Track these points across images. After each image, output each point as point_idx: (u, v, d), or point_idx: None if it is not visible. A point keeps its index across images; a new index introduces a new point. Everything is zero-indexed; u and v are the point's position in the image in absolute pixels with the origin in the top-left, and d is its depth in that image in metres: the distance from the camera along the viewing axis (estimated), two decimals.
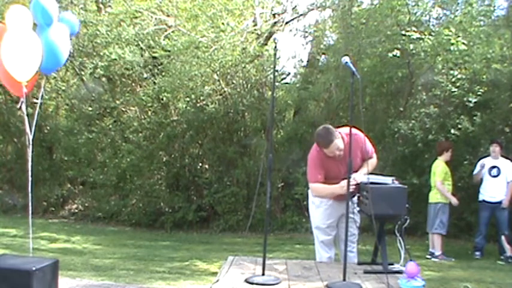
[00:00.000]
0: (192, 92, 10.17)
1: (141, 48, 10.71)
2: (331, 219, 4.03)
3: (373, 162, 3.98)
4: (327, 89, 10.19)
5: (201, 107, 10.15)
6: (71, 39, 4.44)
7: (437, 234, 6.98)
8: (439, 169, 6.98)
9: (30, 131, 4.46)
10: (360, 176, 3.68)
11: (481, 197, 7.09)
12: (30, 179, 4.40)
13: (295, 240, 8.62)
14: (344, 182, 3.48)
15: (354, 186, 3.58)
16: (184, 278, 5.86)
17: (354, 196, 3.73)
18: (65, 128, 12.17)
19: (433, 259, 6.92)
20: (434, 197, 7.04)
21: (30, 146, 4.48)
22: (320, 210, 4.06)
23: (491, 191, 6.98)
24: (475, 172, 7.18)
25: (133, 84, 11.30)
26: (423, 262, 6.36)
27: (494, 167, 6.99)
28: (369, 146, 3.99)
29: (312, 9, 11.54)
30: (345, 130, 3.75)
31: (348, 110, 9.36)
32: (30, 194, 4.73)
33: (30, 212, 4.84)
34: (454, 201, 6.90)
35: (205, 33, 9.86)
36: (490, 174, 7.00)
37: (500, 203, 6.88)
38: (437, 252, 6.96)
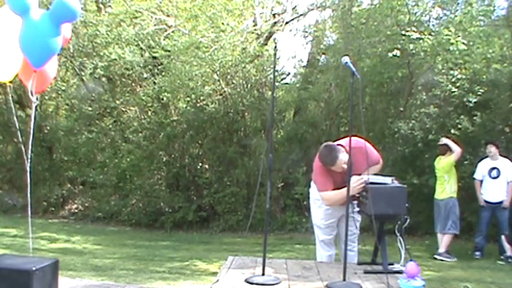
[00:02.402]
0: (192, 92, 10.17)
1: (141, 48, 10.71)
2: (332, 219, 4.04)
3: (377, 167, 3.98)
4: (327, 89, 10.19)
5: (201, 107, 10.15)
6: (68, 23, 3.98)
7: (450, 234, 6.95)
8: (450, 162, 6.93)
9: (29, 132, 4.40)
10: (363, 177, 3.67)
11: (482, 197, 7.08)
12: (29, 180, 4.38)
13: (295, 240, 8.61)
14: (353, 181, 3.47)
15: (362, 186, 3.57)
16: (184, 278, 5.86)
17: (354, 200, 3.71)
18: (65, 128, 12.18)
19: (435, 255, 6.89)
20: (443, 192, 6.98)
21: (30, 146, 4.45)
22: (321, 210, 4.06)
23: (491, 192, 6.96)
24: (475, 178, 7.17)
25: (133, 84, 11.30)
26: (423, 262, 6.35)
27: (493, 168, 6.98)
28: (374, 153, 3.97)
29: (312, 9, 11.55)
30: (346, 141, 3.65)
31: (348, 110, 9.37)
32: (29, 194, 4.73)
33: (29, 212, 4.84)
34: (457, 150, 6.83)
35: (205, 34, 9.87)
36: (489, 175, 6.98)
37: (500, 203, 6.87)
38: (441, 250, 6.94)
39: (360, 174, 3.65)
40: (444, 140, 7.04)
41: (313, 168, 3.95)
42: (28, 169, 4.34)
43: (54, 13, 3.88)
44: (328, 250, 4.10)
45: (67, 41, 4.23)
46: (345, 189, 3.40)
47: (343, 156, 3.66)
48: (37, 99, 4.32)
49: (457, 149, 6.89)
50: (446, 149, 7.01)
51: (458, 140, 7.84)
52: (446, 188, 6.97)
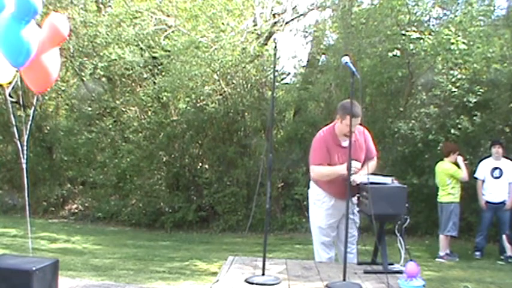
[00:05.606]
0: (192, 92, 10.18)
1: (141, 48, 10.72)
2: (333, 219, 4.02)
3: (373, 164, 4.01)
4: (327, 89, 10.19)
5: (201, 107, 10.16)
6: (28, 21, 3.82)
7: (447, 236, 6.95)
8: (454, 168, 6.87)
9: (25, 130, 4.38)
10: (360, 177, 3.67)
11: (483, 198, 7.08)
12: (26, 179, 4.36)
13: (295, 240, 8.62)
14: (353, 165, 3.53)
15: (355, 169, 3.65)
16: (184, 278, 5.86)
17: (354, 196, 3.72)
18: (65, 128, 12.18)
19: (437, 259, 6.89)
20: (446, 197, 6.94)
21: (25, 146, 4.43)
22: (321, 211, 4.05)
23: (493, 192, 6.95)
24: (476, 177, 7.16)
25: (133, 84, 11.31)
26: (423, 262, 6.35)
27: (496, 168, 6.97)
28: (373, 146, 4.11)
29: (312, 9, 11.56)
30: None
31: None
32: (26, 194, 4.72)
33: (28, 212, 4.83)
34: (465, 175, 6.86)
35: (205, 33, 9.87)
36: (492, 175, 6.98)
37: (502, 203, 6.87)
38: (442, 253, 6.94)
39: (357, 159, 3.76)
40: (459, 159, 6.92)
41: (312, 144, 3.98)
42: (24, 167, 4.33)
43: (16, 10, 3.82)
44: (328, 252, 4.07)
45: (64, 38, 4.18)
46: (336, 166, 3.69)
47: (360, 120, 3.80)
48: (38, 99, 4.36)
49: (465, 173, 6.83)
50: (450, 150, 6.99)
51: (458, 140, 7.86)
52: (449, 192, 6.94)
